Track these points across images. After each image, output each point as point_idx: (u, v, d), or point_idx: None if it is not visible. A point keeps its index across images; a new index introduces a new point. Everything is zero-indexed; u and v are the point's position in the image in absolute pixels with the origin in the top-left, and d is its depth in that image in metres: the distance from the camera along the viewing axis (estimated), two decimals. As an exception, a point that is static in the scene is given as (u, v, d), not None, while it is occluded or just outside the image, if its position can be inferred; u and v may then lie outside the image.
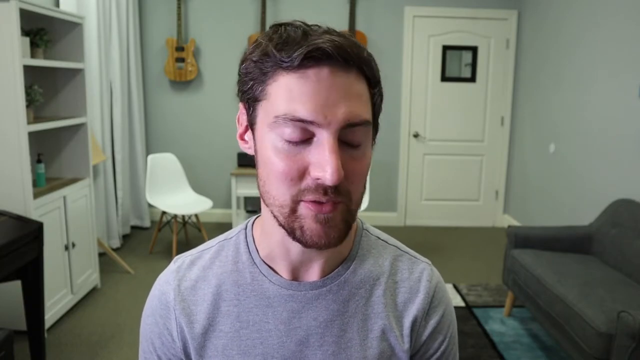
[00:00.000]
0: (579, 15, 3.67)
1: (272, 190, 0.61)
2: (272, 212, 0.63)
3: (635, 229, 2.63)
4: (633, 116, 3.02)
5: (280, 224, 0.62)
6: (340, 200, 0.60)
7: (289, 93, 0.58)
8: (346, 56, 0.57)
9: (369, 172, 0.66)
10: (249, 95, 0.62)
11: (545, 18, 4.23)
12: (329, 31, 0.60)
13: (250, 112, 0.64)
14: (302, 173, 0.59)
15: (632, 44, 3.05)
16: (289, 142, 0.59)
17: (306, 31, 0.59)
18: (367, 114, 0.60)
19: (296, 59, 0.57)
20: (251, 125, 0.64)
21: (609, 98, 3.28)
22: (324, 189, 0.58)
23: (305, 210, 0.60)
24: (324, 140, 0.57)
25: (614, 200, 2.93)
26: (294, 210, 0.60)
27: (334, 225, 0.60)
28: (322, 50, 0.56)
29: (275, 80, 0.59)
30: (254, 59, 0.60)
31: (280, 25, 0.61)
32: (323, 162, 0.57)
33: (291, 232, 0.62)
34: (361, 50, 0.60)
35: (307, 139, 0.59)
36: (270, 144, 0.60)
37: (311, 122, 0.57)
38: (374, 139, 0.67)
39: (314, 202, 0.59)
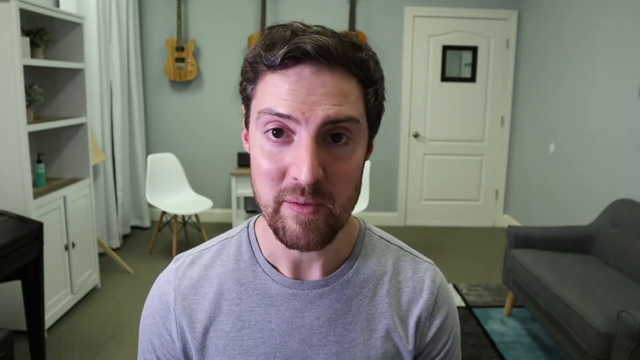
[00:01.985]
0: (579, 15, 3.67)
1: (258, 190, 0.62)
2: (263, 212, 0.64)
3: (635, 229, 2.63)
4: (633, 116, 3.02)
5: (268, 224, 0.63)
6: (321, 202, 0.59)
7: (272, 90, 0.59)
8: (328, 56, 0.57)
9: (362, 174, 0.66)
10: (243, 95, 0.65)
11: (545, 18, 4.23)
12: (321, 31, 0.59)
13: (246, 112, 0.65)
14: (283, 173, 0.59)
15: (632, 44, 3.05)
16: (273, 142, 0.59)
17: (296, 31, 0.59)
18: (353, 112, 0.59)
19: (278, 58, 0.58)
20: (246, 125, 0.66)
21: (609, 98, 3.27)
22: (302, 189, 0.58)
23: (286, 211, 0.60)
24: (302, 139, 0.58)
25: (614, 200, 2.93)
26: (276, 210, 0.61)
27: (315, 228, 0.60)
28: (303, 50, 0.57)
29: (262, 80, 0.61)
30: (249, 60, 0.62)
31: (274, 26, 0.62)
32: (299, 161, 0.57)
33: (275, 232, 0.62)
34: (351, 50, 0.59)
35: (290, 140, 0.59)
36: (257, 144, 0.61)
37: (288, 117, 0.57)
38: (370, 140, 0.67)
39: (295, 203, 0.59)
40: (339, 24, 4.52)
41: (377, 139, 0.70)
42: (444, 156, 4.89)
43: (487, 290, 3.41)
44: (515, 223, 4.71)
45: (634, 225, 2.65)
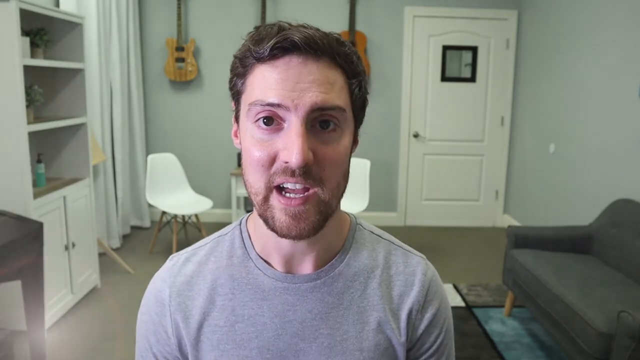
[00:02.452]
0: (579, 15, 3.67)
1: (249, 178, 0.64)
2: (253, 202, 0.65)
3: (635, 229, 2.63)
4: (633, 116, 3.02)
5: (258, 214, 0.64)
6: (310, 185, 0.61)
7: (261, 81, 0.61)
8: (315, 46, 0.60)
9: (349, 163, 0.68)
10: (234, 91, 0.67)
11: (545, 18, 4.23)
12: (306, 26, 0.62)
13: (236, 107, 0.67)
14: (273, 159, 0.61)
15: (632, 44, 3.05)
16: (264, 130, 0.61)
17: (282, 27, 0.62)
18: (339, 101, 0.62)
19: (267, 49, 0.60)
20: (237, 119, 0.68)
21: (609, 98, 3.27)
22: (292, 171, 0.59)
23: (275, 202, 0.62)
24: (292, 125, 0.59)
25: (614, 200, 2.93)
26: (266, 199, 0.62)
27: (306, 217, 0.62)
28: (291, 41, 0.60)
29: (251, 73, 0.63)
30: (238, 56, 0.65)
31: (260, 26, 0.65)
32: (289, 145, 0.59)
33: (265, 221, 0.64)
34: (335, 42, 0.62)
35: (280, 128, 0.61)
36: (248, 134, 0.63)
37: (279, 105, 0.59)
38: (356, 130, 0.69)
39: (283, 194, 0.61)
40: (339, 24, 4.52)
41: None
42: (444, 156, 4.89)
43: (487, 290, 3.41)
44: (515, 223, 4.71)
45: (634, 225, 2.65)
